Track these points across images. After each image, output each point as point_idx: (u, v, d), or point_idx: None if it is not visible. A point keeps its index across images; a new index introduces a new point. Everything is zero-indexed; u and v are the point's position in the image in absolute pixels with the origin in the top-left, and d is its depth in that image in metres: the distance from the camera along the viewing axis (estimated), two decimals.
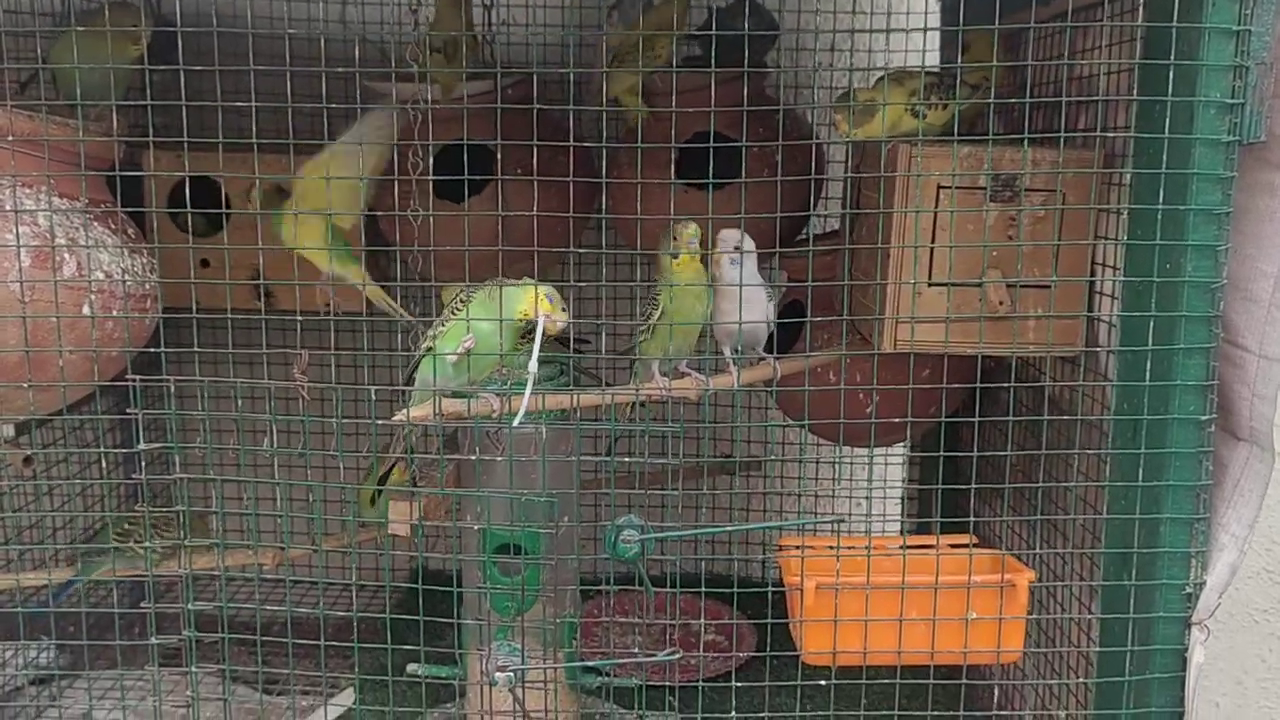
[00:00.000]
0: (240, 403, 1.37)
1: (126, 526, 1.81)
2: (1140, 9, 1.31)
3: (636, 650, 1.92)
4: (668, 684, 1.96)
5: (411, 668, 1.66)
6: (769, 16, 1.94)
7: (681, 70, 1.81)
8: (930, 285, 1.50)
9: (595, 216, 2.09)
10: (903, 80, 1.58)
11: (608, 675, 1.71)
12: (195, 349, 1.38)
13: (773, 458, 2.29)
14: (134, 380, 1.36)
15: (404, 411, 1.47)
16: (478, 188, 1.90)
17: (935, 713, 1.43)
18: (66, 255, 1.49)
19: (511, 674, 1.45)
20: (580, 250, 1.88)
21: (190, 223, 2.02)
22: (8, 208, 1.46)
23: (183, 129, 1.33)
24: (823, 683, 1.40)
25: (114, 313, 1.54)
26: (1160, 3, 1.23)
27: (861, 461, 2.29)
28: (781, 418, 2.08)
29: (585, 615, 2.07)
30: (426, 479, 1.63)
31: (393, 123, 1.70)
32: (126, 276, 1.56)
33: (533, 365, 1.36)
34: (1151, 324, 1.26)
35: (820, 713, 1.46)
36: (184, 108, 1.32)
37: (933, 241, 1.49)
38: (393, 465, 1.89)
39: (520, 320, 1.42)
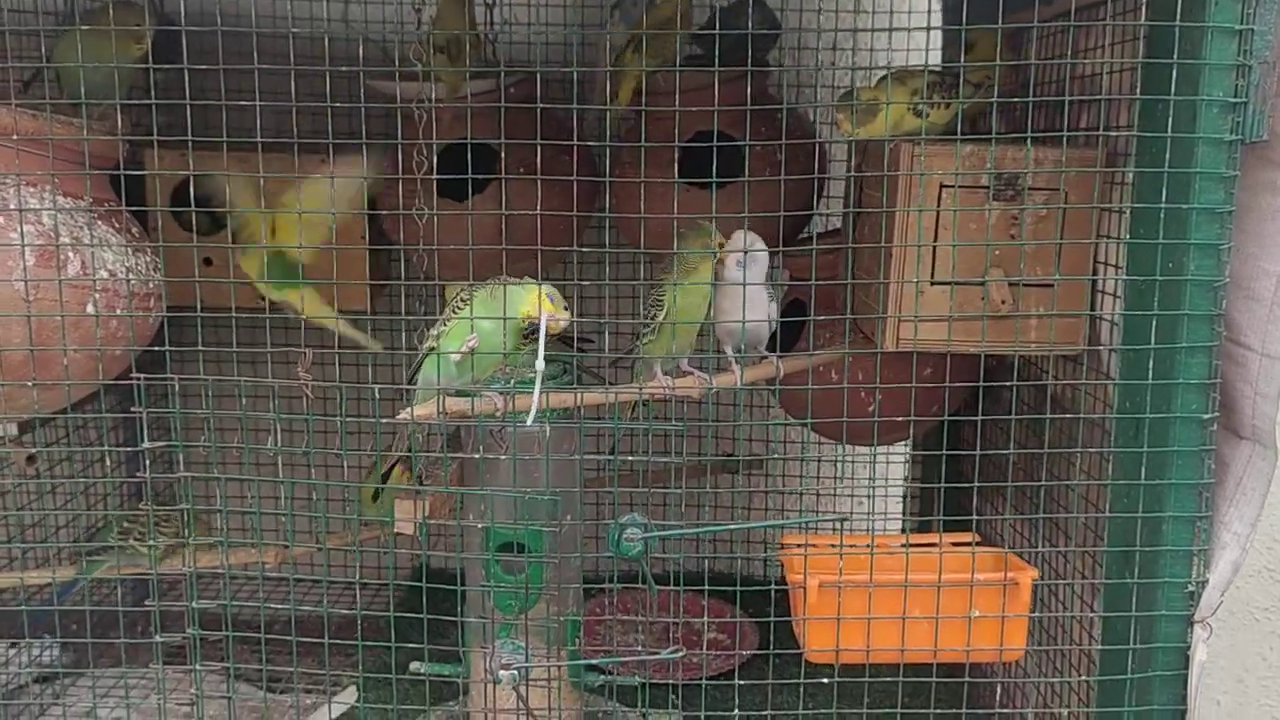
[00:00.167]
0: (244, 401, 1.37)
1: (126, 524, 1.81)
2: (1143, 8, 1.31)
3: (639, 648, 1.93)
4: (671, 682, 1.96)
5: (414, 666, 1.66)
6: (771, 15, 1.94)
7: (684, 69, 1.81)
8: (933, 284, 1.51)
9: (598, 216, 2.09)
10: (905, 79, 1.58)
11: (611, 673, 1.71)
12: (199, 348, 1.38)
13: (775, 456, 2.29)
14: (138, 379, 1.36)
15: (408, 410, 1.48)
16: (480, 187, 1.90)
17: (938, 710, 1.43)
18: (71, 254, 1.49)
19: (515, 672, 1.45)
20: (583, 249, 1.89)
21: (194, 222, 2.03)
22: (12, 206, 1.46)
23: (185, 128, 1.33)
24: (825, 680, 1.41)
25: (118, 311, 1.54)
26: (1163, 2, 1.23)
27: (864, 460, 2.29)
28: (784, 416, 2.08)
29: (588, 613, 2.07)
30: (430, 478, 1.63)
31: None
32: (130, 275, 1.56)
33: (539, 364, 1.36)
34: (1154, 322, 1.26)
35: (823, 711, 1.47)
36: (188, 107, 1.33)
37: (935, 240, 1.49)
38: (394, 464, 1.89)
39: (524, 321, 1.42)
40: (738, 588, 1.49)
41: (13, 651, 2.01)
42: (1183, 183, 1.23)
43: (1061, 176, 1.46)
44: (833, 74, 2.14)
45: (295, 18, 1.32)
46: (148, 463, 1.39)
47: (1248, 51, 1.19)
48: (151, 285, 1.62)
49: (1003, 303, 1.48)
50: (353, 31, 1.91)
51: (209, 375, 1.36)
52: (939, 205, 1.49)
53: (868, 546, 1.44)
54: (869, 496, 2.21)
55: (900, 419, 1.62)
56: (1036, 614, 1.53)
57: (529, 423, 1.39)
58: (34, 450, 1.76)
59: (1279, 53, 1.21)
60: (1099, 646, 1.38)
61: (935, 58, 1.98)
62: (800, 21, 2.16)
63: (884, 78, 1.60)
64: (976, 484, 1.44)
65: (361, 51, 1.41)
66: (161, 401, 1.49)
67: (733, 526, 1.52)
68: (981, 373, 1.81)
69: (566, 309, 1.43)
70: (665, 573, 1.68)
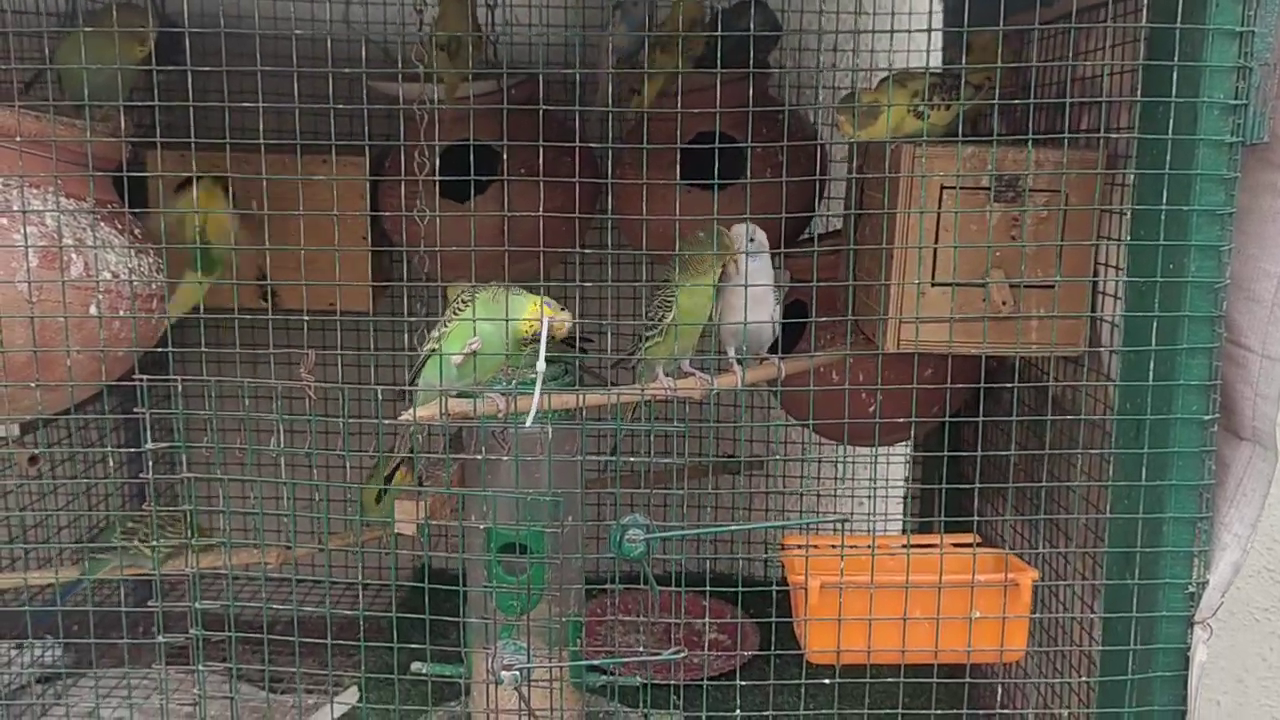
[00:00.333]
0: (246, 402, 1.38)
1: (131, 525, 1.81)
2: (1143, 10, 1.31)
3: (641, 649, 1.93)
4: (672, 683, 1.96)
5: (416, 666, 1.66)
6: (773, 17, 1.95)
7: (685, 71, 1.81)
8: (934, 285, 1.51)
9: (600, 217, 2.10)
10: (905, 81, 1.59)
11: (612, 674, 1.71)
12: (202, 349, 1.39)
13: (776, 457, 2.29)
14: (141, 380, 1.36)
15: (410, 411, 1.48)
16: (481, 188, 1.90)
17: (938, 711, 1.43)
18: (74, 255, 1.50)
19: (517, 672, 1.45)
20: (584, 250, 1.89)
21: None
22: (15, 208, 1.46)
23: (186, 129, 1.34)
24: (826, 681, 1.41)
25: (121, 313, 1.54)
26: (1164, 4, 1.23)
27: (864, 461, 2.29)
28: (785, 417, 2.08)
29: (590, 614, 2.07)
30: (432, 478, 1.63)
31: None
32: (133, 276, 1.57)
33: (540, 365, 1.37)
34: (1155, 324, 1.26)
35: (824, 711, 1.47)
36: (190, 108, 1.33)
37: (936, 242, 1.49)
38: (398, 465, 1.89)
39: (526, 330, 1.42)
40: (739, 588, 1.49)
41: (15, 652, 2.01)
42: (1183, 184, 1.23)
43: (1062, 178, 1.46)
44: (833, 75, 2.14)
45: (297, 19, 1.33)
46: (150, 464, 1.40)
47: (1248, 53, 1.20)
48: (154, 286, 1.62)
49: (1003, 304, 1.48)
50: (354, 33, 1.91)
51: (211, 376, 1.36)
52: (940, 207, 1.49)
53: (868, 547, 1.45)
54: (869, 497, 2.21)
55: (901, 420, 1.62)
56: (1037, 615, 1.53)
57: (529, 424, 1.39)
58: (36, 451, 1.76)
59: (1279, 55, 1.22)
60: (1099, 647, 1.38)
61: (936, 59, 1.99)
62: (801, 23, 2.16)
63: (885, 79, 1.61)
64: (977, 485, 1.44)
65: (364, 53, 1.41)
66: (163, 402, 1.49)
67: (734, 528, 1.52)
68: (982, 374, 1.82)
69: (567, 315, 1.43)
70: (666, 573, 1.68)
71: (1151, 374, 1.27)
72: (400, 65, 1.71)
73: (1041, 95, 1.74)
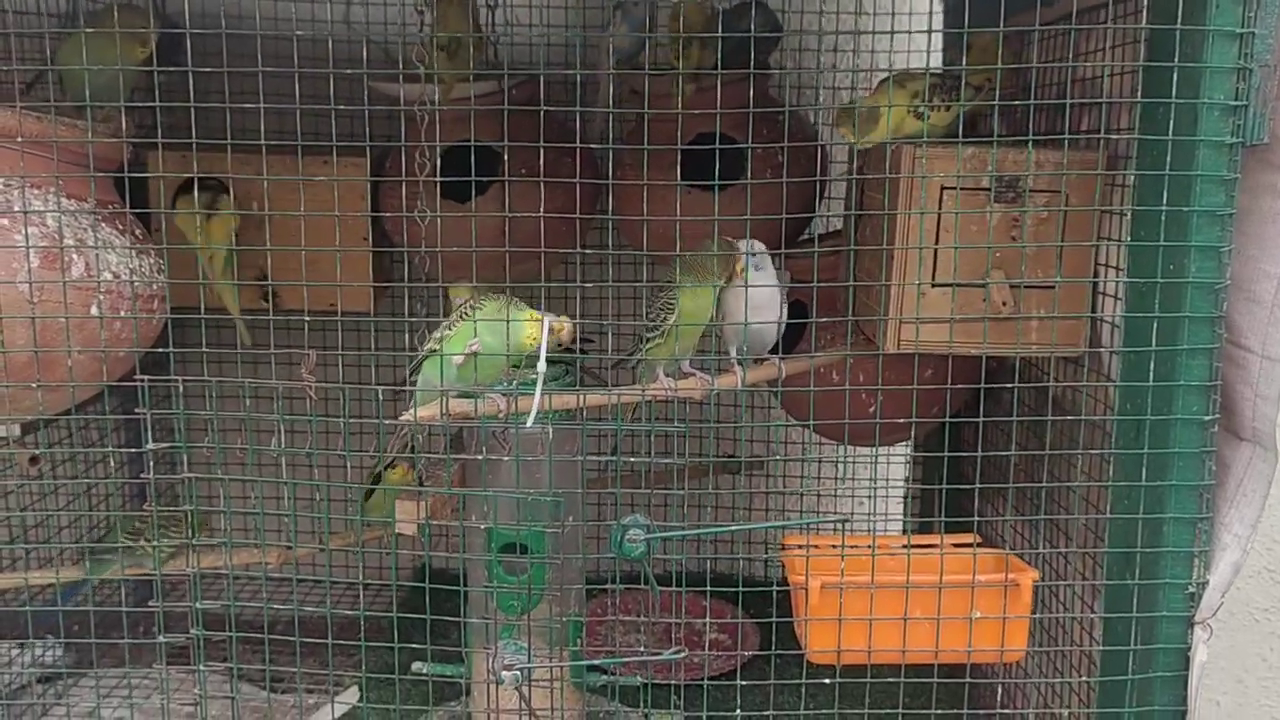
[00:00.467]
0: (247, 402, 1.38)
1: (136, 525, 1.82)
2: (1144, 11, 1.31)
3: (641, 649, 1.93)
4: (672, 682, 1.96)
5: (416, 666, 1.67)
6: (773, 18, 1.95)
7: (686, 71, 1.81)
8: (934, 286, 1.51)
9: (600, 217, 2.10)
10: (904, 82, 1.59)
11: (613, 674, 1.71)
12: (203, 349, 1.39)
13: (777, 458, 2.29)
14: (142, 380, 1.37)
15: (411, 411, 1.48)
16: (482, 188, 1.90)
17: (939, 711, 1.44)
18: (75, 256, 1.50)
19: (517, 672, 1.45)
20: (585, 251, 1.89)
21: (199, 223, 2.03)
22: (16, 209, 1.46)
23: (187, 129, 1.34)
24: (827, 681, 1.41)
25: (122, 313, 1.54)
26: (1164, 5, 1.24)
27: (864, 461, 2.29)
28: (785, 417, 2.09)
29: (590, 614, 2.07)
30: (433, 479, 1.63)
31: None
32: (134, 277, 1.57)
33: (541, 365, 1.37)
34: (1155, 324, 1.27)
35: (824, 711, 1.47)
36: (192, 109, 1.33)
37: (936, 242, 1.50)
38: (388, 464, 1.90)
39: (529, 345, 1.42)
40: (739, 588, 1.49)
41: (15, 652, 2.01)
42: (1183, 185, 1.23)
43: (1062, 179, 1.46)
44: (833, 76, 2.14)
45: (297, 20, 1.33)
46: (151, 464, 1.40)
47: (1248, 55, 1.20)
48: (155, 287, 1.62)
49: (1004, 304, 1.48)
50: (355, 33, 1.92)
51: (212, 376, 1.37)
52: (940, 207, 1.49)
53: (869, 547, 1.45)
54: (869, 497, 2.21)
55: (901, 420, 1.62)
56: (1037, 615, 1.53)
57: (530, 424, 1.39)
58: (37, 451, 1.77)
59: (1279, 56, 1.22)
60: (1100, 647, 1.38)
61: (936, 60, 1.99)
62: (801, 24, 2.16)
63: (884, 81, 1.61)
64: (978, 485, 1.44)
65: (366, 54, 1.41)
66: (163, 402, 1.49)
67: (734, 528, 1.52)
68: (983, 374, 1.82)
69: (567, 322, 1.44)
70: (667, 573, 1.68)
71: (1152, 374, 1.27)
72: (401, 66, 1.71)
73: (1042, 96, 1.74)
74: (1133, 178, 1.31)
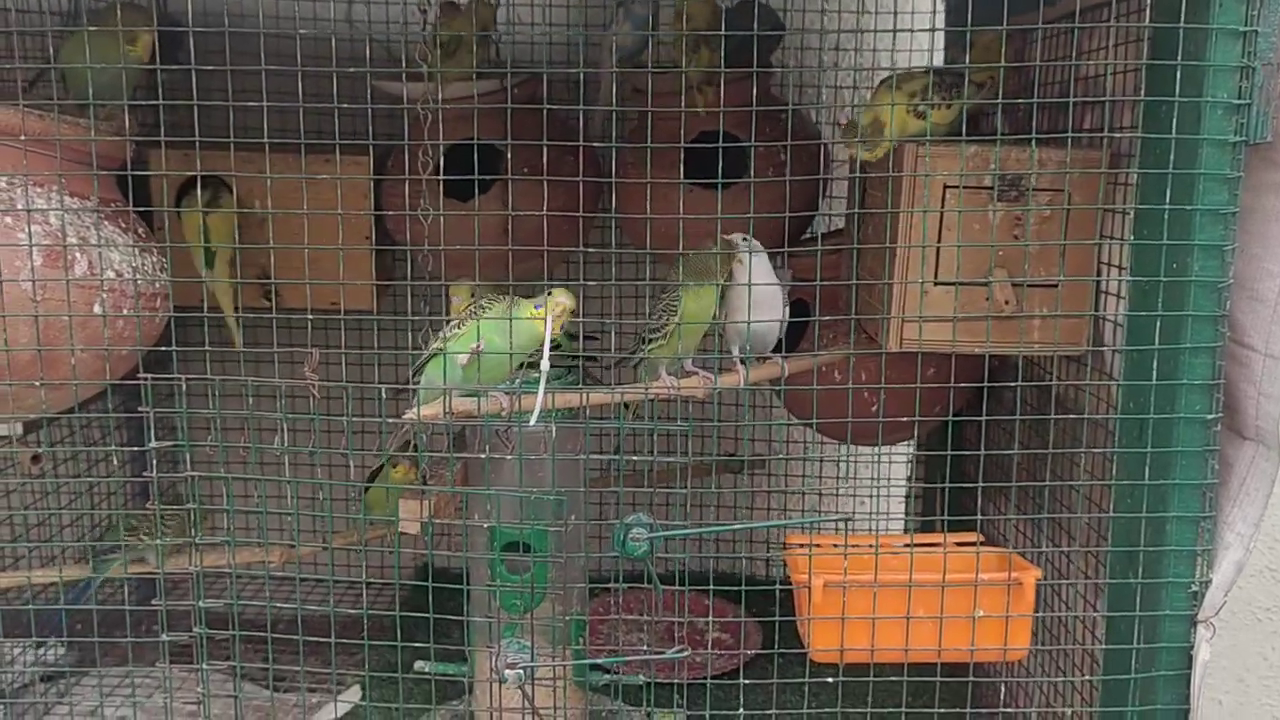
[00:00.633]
0: (250, 401, 1.38)
1: (134, 523, 1.82)
2: (1147, 9, 1.31)
3: (644, 648, 1.93)
4: (675, 681, 1.96)
5: (419, 665, 1.67)
6: (775, 16, 1.95)
7: (690, 70, 1.81)
8: (936, 284, 1.51)
9: (604, 216, 2.10)
10: (903, 83, 1.59)
11: (615, 673, 1.71)
12: (206, 347, 1.39)
13: (779, 456, 2.29)
14: (145, 379, 1.37)
15: (414, 410, 1.48)
16: (484, 187, 1.90)
17: (942, 710, 1.43)
18: (78, 254, 1.50)
19: (520, 671, 1.45)
20: (588, 249, 1.88)
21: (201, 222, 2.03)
22: (19, 207, 1.46)
23: (190, 128, 1.34)
24: (830, 680, 1.41)
25: (125, 312, 1.54)
26: (1167, 3, 1.24)
27: (866, 460, 2.29)
28: (787, 416, 2.09)
29: (593, 613, 2.07)
30: (436, 477, 1.63)
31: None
32: (137, 275, 1.57)
33: (544, 364, 1.37)
34: (1158, 323, 1.27)
35: (827, 710, 1.47)
36: (195, 107, 1.33)
37: (939, 241, 1.50)
38: (381, 466, 1.90)
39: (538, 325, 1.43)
40: (742, 587, 1.49)
41: (18, 651, 2.01)
42: (1187, 184, 1.23)
43: (1065, 177, 1.46)
44: (835, 75, 2.14)
45: (300, 18, 1.33)
46: (154, 462, 1.40)
47: (1252, 53, 1.20)
48: (158, 285, 1.62)
49: (1006, 303, 1.48)
50: (357, 32, 1.92)
51: (214, 375, 1.37)
52: (943, 206, 1.49)
53: (871, 546, 1.45)
54: (871, 496, 2.21)
55: (904, 419, 1.63)
56: (1040, 614, 1.54)
57: (532, 423, 1.39)
58: (39, 450, 1.77)
59: None
60: (1103, 646, 1.38)
61: (938, 59, 1.99)
62: (803, 22, 2.16)
63: (882, 83, 1.61)
64: (980, 484, 1.44)
65: (369, 52, 1.41)
66: (164, 401, 1.49)
67: (737, 526, 1.52)
68: (985, 373, 1.82)
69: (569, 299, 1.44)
70: (669, 572, 1.69)
71: (1155, 373, 1.28)
72: (405, 64, 1.71)
73: (1045, 94, 1.74)
74: (1136, 176, 1.31)
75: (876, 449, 2.06)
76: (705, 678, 2.02)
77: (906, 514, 2.24)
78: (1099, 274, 1.49)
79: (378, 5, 1.99)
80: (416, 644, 1.51)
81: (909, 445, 2.28)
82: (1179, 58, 1.22)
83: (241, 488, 1.48)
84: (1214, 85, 1.21)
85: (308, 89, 1.34)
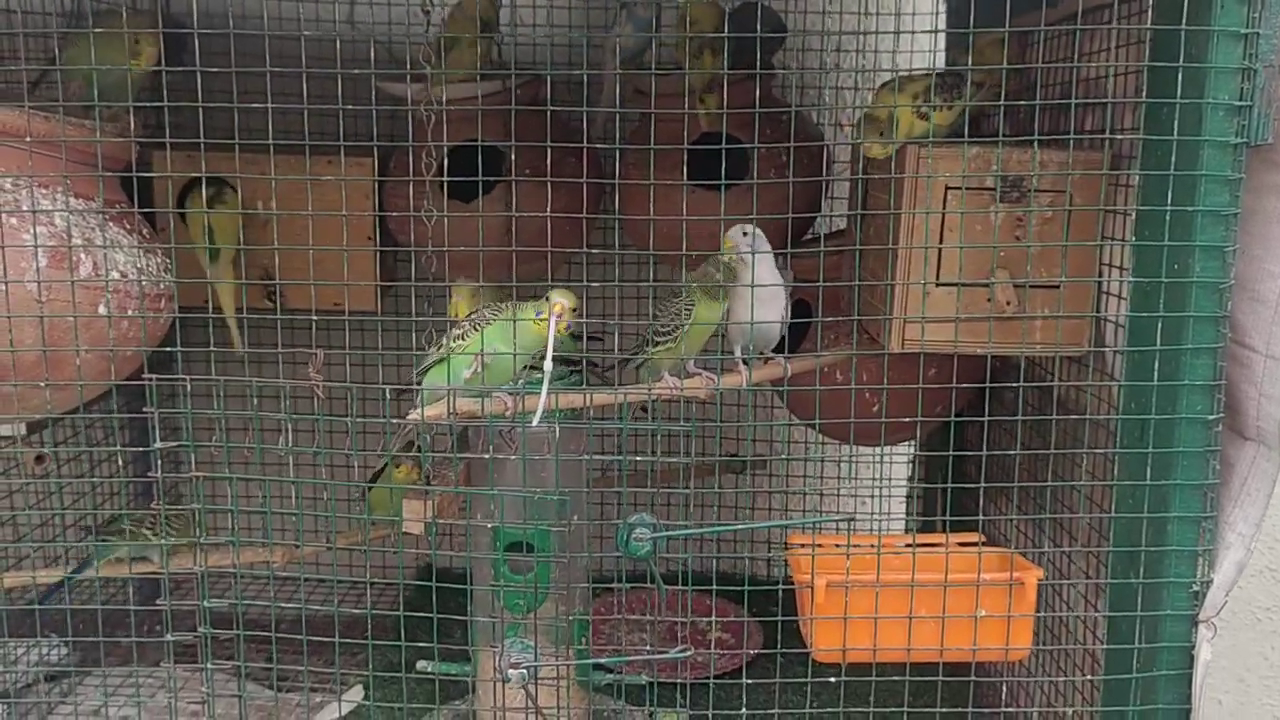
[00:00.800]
0: (254, 401, 1.38)
1: (137, 519, 1.82)
2: (1148, 11, 1.32)
3: (647, 647, 1.93)
4: (677, 681, 1.96)
5: (422, 664, 1.67)
6: (777, 18, 1.95)
7: (691, 72, 1.82)
8: (938, 285, 1.51)
9: (606, 217, 2.10)
10: (904, 85, 1.59)
11: (618, 672, 1.72)
12: (210, 348, 1.39)
13: (781, 456, 2.29)
14: (150, 379, 1.37)
15: (418, 410, 1.48)
16: (487, 188, 1.91)
17: (943, 710, 1.44)
18: (83, 255, 1.50)
19: (523, 671, 1.46)
20: (591, 250, 1.89)
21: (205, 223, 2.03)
22: (24, 208, 1.46)
23: (194, 129, 1.34)
24: (832, 680, 1.41)
25: (130, 312, 1.55)
26: (1168, 5, 1.24)
27: (867, 460, 2.29)
28: (789, 417, 2.09)
29: (596, 612, 2.08)
30: (439, 477, 1.64)
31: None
32: (142, 276, 1.57)
33: (547, 365, 1.37)
34: (1159, 324, 1.27)
35: (829, 710, 1.47)
36: (200, 109, 1.33)
37: (941, 242, 1.50)
38: (383, 467, 1.90)
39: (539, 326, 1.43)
40: (744, 587, 1.50)
41: (21, 650, 2.02)
42: (1188, 185, 1.24)
43: (1067, 179, 1.46)
44: (837, 76, 2.15)
45: (303, 20, 1.33)
46: (158, 463, 1.40)
47: (1253, 55, 1.20)
48: (162, 286, 1.62)
49: (1008, 304, 1.49)
50: (360, 33, 1.92)
51: (219, 376, 1.37)
52: (945, 207, 1.49)
53: (873, 546, 1.45)
54: (873, 497, 2.22)
55: (906, 420, 1.63)
56: (1042, 614, 1.54)
57: (535, 423, 1.40)
58: (43, 450, 1.77)
59: None
60: (1104, 646, 1.39)
61: (939, 60, 1.99)
62: (805, 24, 2.17)
63: (884, 85, 1.61)
64: (982, 485, 1.45)
65: (372, 54, 1.42)
66: (168, 401, 1.50)
67: (740, 526, 1.52)
68: (987, 374, 1.82)
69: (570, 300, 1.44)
70: (672, 572, 1.70)
71: (1156, 374, 1.28)
72: (408, 66, 1.71)
73: (1046, 96, 1.74)
74: (1137, 178, 1.32)
75: (878, 449, 2.06)
76: (708, 678, 2.02)
77: (908, 514, 2.24)
78: (1100, 275, 1.50)
79: (380, 6, 2.00)
80: (419, 644, 1.51)
81: (910, 446, 2.28)
82: (1180, 59, 1.22)
83: (245, 488, 1.48)
84: (1215, 87, 1.21)
85: (311, 90, 1.34)
